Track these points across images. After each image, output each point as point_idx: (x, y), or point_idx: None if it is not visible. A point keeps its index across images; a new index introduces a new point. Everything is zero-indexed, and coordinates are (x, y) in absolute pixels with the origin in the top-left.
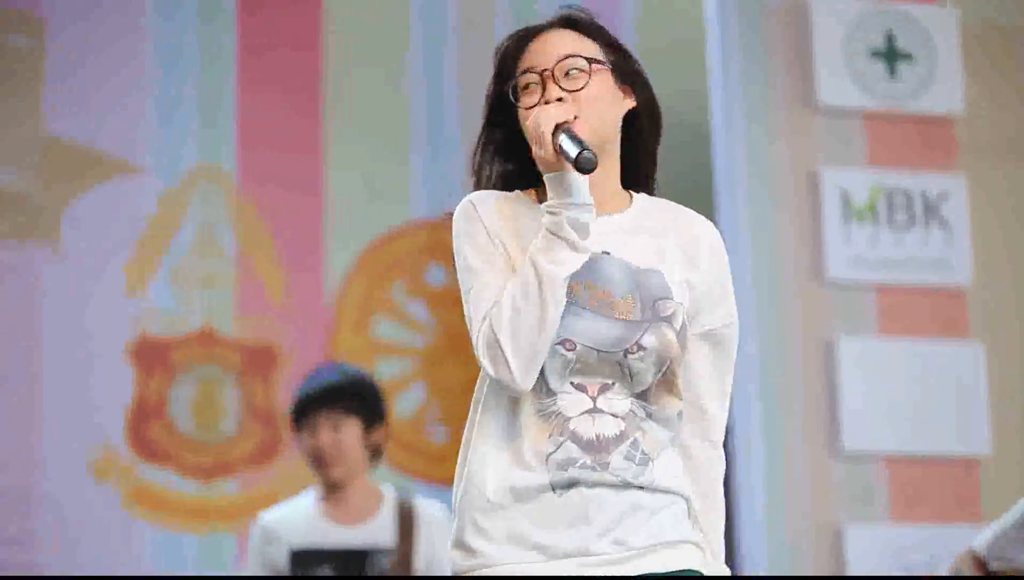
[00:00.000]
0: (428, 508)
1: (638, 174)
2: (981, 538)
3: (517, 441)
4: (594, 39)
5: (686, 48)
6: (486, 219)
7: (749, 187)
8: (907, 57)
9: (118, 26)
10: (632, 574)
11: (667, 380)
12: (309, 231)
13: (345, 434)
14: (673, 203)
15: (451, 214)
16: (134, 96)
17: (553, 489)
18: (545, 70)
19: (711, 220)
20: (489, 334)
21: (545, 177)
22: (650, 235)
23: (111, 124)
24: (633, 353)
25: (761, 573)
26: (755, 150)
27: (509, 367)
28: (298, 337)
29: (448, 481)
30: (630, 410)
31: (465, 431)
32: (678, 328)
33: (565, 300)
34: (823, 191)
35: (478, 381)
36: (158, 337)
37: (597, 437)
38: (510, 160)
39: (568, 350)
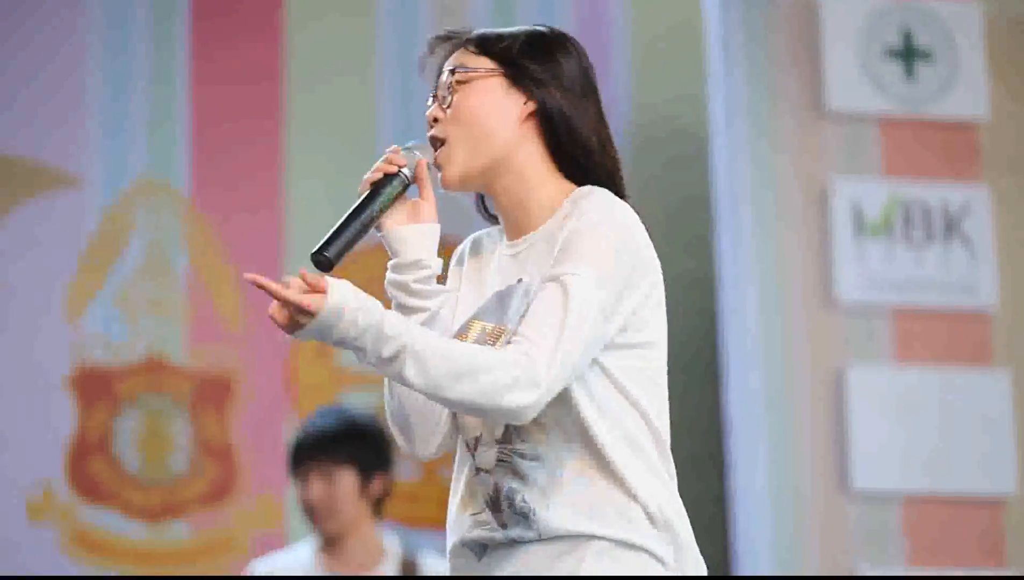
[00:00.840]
0: (433, 563)
1: (577, 172)
2: None
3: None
4: (477, 49)
5: (683, 47)
6: (455, 266)
7: (752, 201)
8: (926, 56)
9: (61, 34)
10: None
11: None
12: (267, 249)
13: (339, 486)
14: (595, 194)
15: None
16: (76, 106)
17: (472, 550)
18: (434, 94)
19: (711, 236)
20: None
21: None
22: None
23: (50, 135)
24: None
25: None
26: (759, 160)
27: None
28: (256, 365)
29: (421, 522)
30: (498, 459)
31: None
32: None
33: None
34: (833, 204)
35: None
36: (101, 365)
37: (488, 499)
38: None
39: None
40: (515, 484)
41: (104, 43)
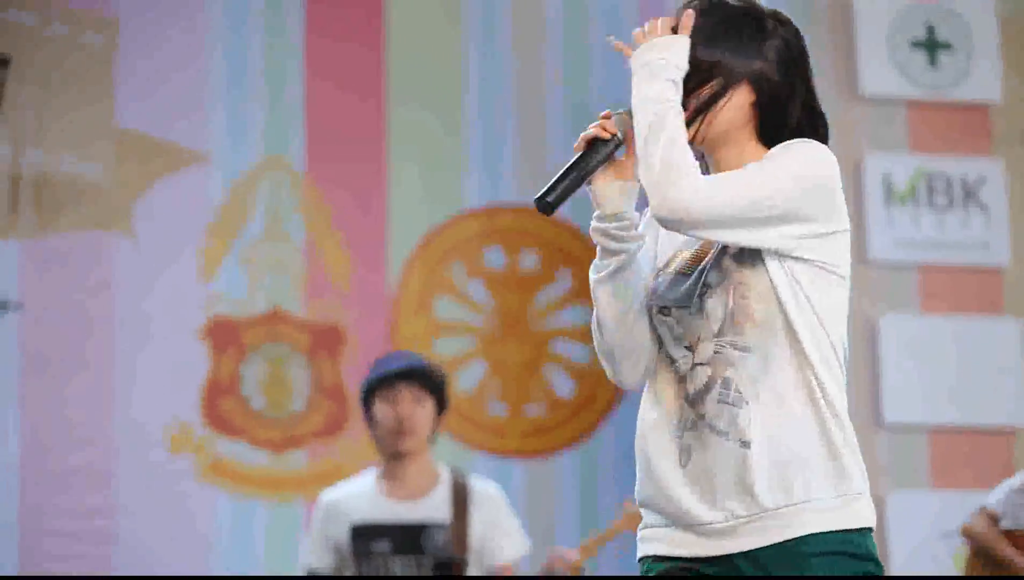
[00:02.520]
0: (482, 487)
1: (777, 133)
2: (993, 496)
3: (659, 408)
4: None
5: None
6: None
7: None
8: (947, 47)
9: (187, 22)
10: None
11: (742, 316)
12: (373, 219)
13: (425, 409)
14: (789, 143)
15: (504, 203)
16: (204, 90)
17: (680, 460)
18: None
19: None
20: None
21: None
22: None
23: (182, 116)
24: (705, 294)
25: None
26: None
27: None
28: (363, 318)
29: (507, 453)
30: (714, 352)
31: None
32: (735, 253)
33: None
34: (866, 177)
35: None
36: (230, 318)
37: (694, 391)
38: None
39: (666, 315)
40: (729, 373)
41: (225, 41)
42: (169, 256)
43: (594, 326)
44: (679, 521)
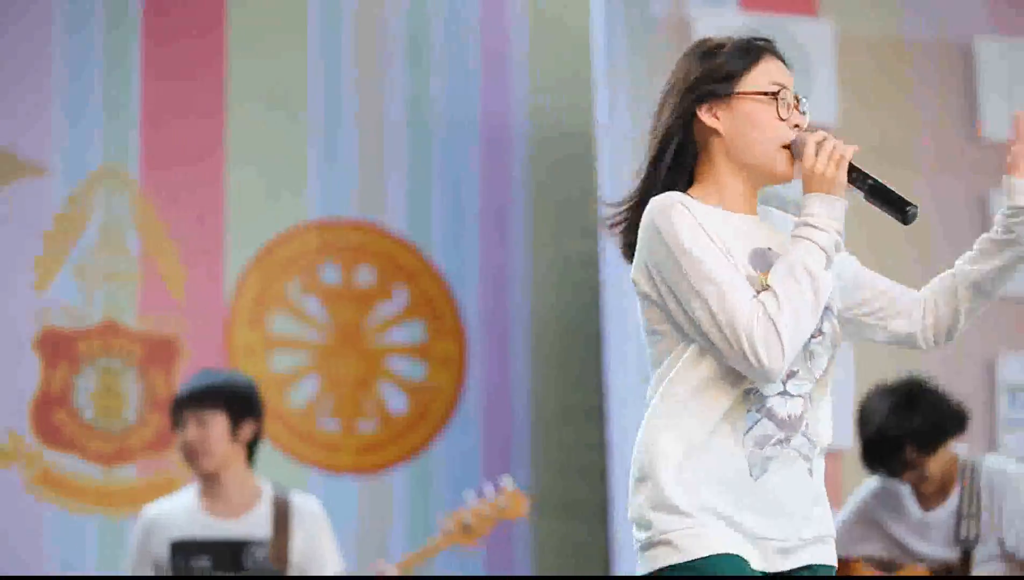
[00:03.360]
0: (303, 503)
1: None
2: None
3: (714, 415)
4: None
5: (573, 57)
6: (704, 223)
7: None
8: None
9: (25, 31)
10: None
11: (828, 372)
12: (210, 231)
13: (211, 429)
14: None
15: (342, 218)
16: (42, 101)
17: (750, 472)
18: (797, 96)
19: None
20: (767, 329)
21: (817, 194)
22: (774, 231)
23: (21, 126)
24: (816, 338)
25: None
26: (640, 157)
27: (783, 359)
28: (198, 331)
29: (340, 469)
30: (809, 393)
31: (660, 401)
32: (836, 314)
33: None
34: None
35: (672, 365)
36: (64, 330)
37: (789, 417)
38: (675, 160)
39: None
40: (809, 419)
41: (64, 50)
42: (3, 266)
43: (807, 328)
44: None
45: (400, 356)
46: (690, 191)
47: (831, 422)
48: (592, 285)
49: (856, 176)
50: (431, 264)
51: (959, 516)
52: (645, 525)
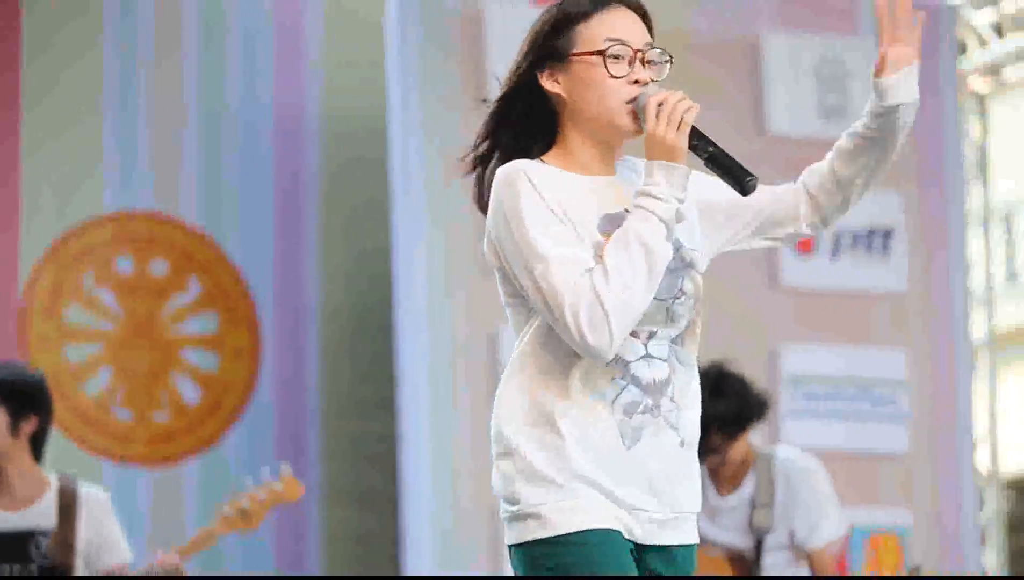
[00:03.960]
0: (89, 492)
1: None
2: None
3: (580, 385)
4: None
5: (366, 51)
6: (544, 191)
7: (426, 189)
8: None
9: None
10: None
11: (692, 328)
12: (4, 223)
13: None
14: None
15: (136, 210)
16: None
17: (623, 441)
18: (639, 51)
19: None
20: (592, 307)
21: (658, 163)
22: (632, 190)
23: None
24: (678, 298)
25: None
26: (430, 151)
27: (612, 339)
28: None
29: (133, 459)
30: (668, 354)
31: (517, 379)
32: (702, 272)
33: None
34: None
35: (531, 338)
36: None
37: (654, 381)
38: (523, 124)
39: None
40: (674, 378)
41: None
42: None
43: (640, 303)
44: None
45: (193, 347)
46: (545, 156)
47: (699, 390)
48: (384, 278)
49: (697, 143)
50: (225, 256)
51: (753, 505)
52: (512, 499)
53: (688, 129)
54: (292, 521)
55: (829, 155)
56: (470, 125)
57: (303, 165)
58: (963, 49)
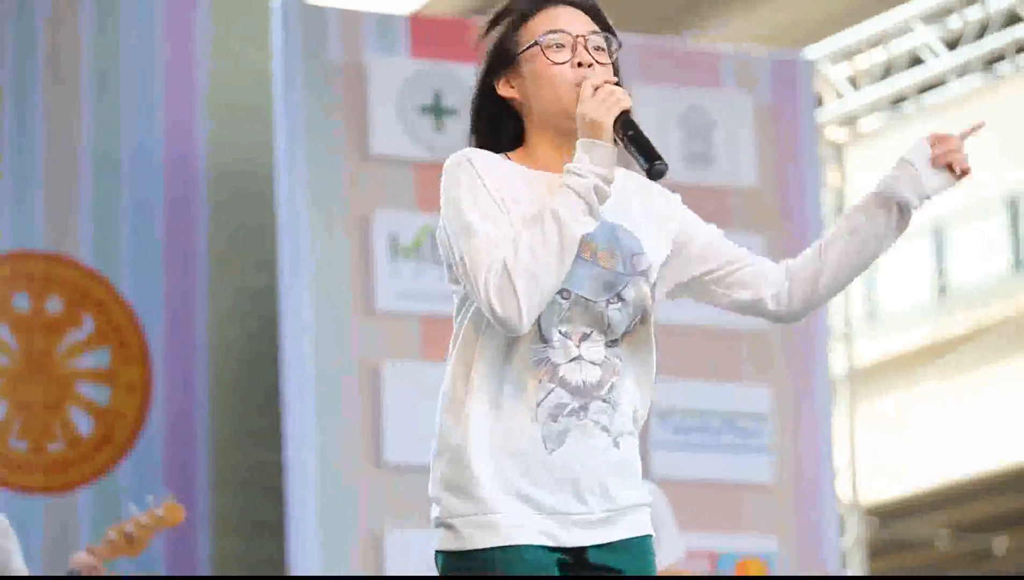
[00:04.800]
0: None
1: None
2: None
3: (506, 386)
4: (606, 31)
5: (255, 100)
6: (485, 176)
7: (311, 226)
8: (453, 113)
9: None
10: (611, 539)
11: (637, 330)
12: None
13: None
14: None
15: (32, 250)
16: None
17: (545, 444)
18: (579, 36)
19: (276, 255)
20: (502, 276)
21: (581, 140)
22: (613, 196)
23: None
24: (614, 303)
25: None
26: (315, 193)
27: (519, 308)
28: None
29: (29, 488)
30: (604, 358)
31: (451, 375)
32: (652, 282)
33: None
34: (374, 232)
35: (464, 331)
36: None
37: (584, 383)
38: (495, 133)
39: (564, 298)
40: (614, 380)
41: None
42: None
43: (550, 274)
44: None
45: (88, 381)
46: (510, 153)
47: (648, 395)
48: (270, 315)
49: (621, 124)
50: (118, 294)
51: None
52: (436, 502)
53: (617, 111)
54: (183, 549)
55: (822, 242)
56: (351, 168)
57: (192, 207)
58: (820, 101)
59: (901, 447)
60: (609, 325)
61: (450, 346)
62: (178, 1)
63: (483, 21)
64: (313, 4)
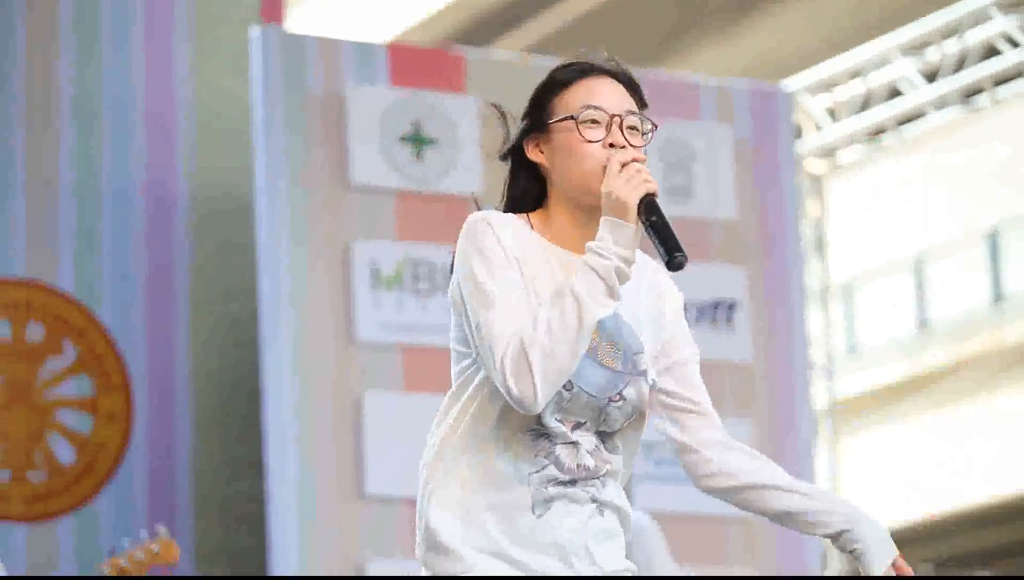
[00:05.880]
0: None
1: None
2: None
3: (501, 453)
4: (642, 109)
5: (234, 129)
6: (504, 240)
7: (290, 256)
8: (432, 142)
9: None
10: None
11: (631, 425)
12: None
13: None
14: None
15: (12, 278)
16: None
17: (533, 509)
18: (615, 115)
19: (256, 285)
20: (519, 355)
21: (606, 218)
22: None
23: None
24: (615, 402)
25: None
26: (295, 223)
27: (535, 388)
28: None
29: (10, 517)
30: (595, 446)
31: (441, 435)
32: (651, 382)
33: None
34: (354, 262)
35: (465, 391)
36: None
37: (578, 466)
38: (522, 192)
39: (566, 390)
40: (606, 468)
41: None
42: None
43: (567, 355)
44: None
45: (69, 409)
46: (531, 214)
47: (632, 463)
48: (252, 346)
49: (645, 207)
50: (99, 322)
51: None
52: (421, 563)
53: (642, 192)
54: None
55: (745, 466)
56: (331, 197)
57: (173, 236)
58: (800, 133)
59: (882, 481)
60: (605, 419)
61: (447, 400)
62: (158, 30)
63: (465, 52)
64: (293, 33)
